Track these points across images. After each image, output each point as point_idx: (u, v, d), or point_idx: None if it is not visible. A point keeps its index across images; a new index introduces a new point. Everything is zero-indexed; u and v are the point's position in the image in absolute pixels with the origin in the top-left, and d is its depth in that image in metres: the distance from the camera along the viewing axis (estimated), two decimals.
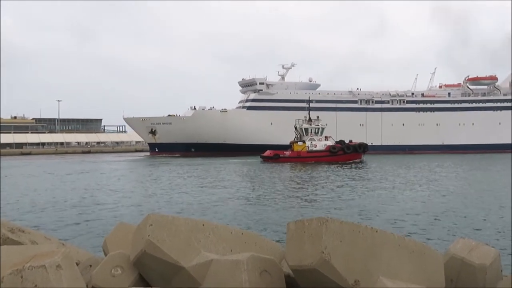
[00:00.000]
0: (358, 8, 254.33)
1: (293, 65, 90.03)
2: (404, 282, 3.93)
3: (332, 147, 57.89)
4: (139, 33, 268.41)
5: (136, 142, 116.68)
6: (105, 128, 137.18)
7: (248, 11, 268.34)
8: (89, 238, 13.78)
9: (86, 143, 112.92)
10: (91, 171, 45.30)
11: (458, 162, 54.43)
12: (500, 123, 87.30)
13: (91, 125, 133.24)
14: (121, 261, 3.92)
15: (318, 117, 62.39)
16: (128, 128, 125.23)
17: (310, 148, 57.78)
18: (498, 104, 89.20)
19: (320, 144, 58.23)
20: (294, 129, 62.01)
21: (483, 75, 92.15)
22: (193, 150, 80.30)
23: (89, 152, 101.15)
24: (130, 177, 38.52)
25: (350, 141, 60.60)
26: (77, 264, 4.28)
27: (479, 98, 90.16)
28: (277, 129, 79.68)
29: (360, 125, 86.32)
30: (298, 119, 62.42)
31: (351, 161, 54.65)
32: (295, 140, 59.99)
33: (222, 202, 22.18)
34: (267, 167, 47.62)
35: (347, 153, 57.11)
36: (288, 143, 61.76)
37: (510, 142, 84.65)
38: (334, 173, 39.13)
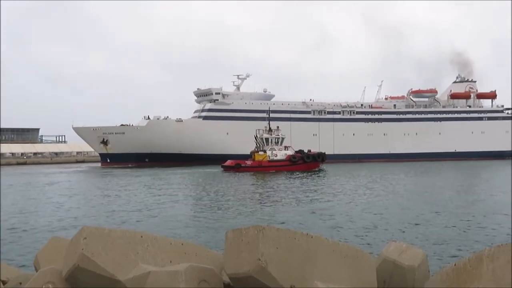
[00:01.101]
0: (300, 23, 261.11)
1: (248, 76, 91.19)
2: (338, 285, 4.13)
3: (293, 156, 58.98)
4: (78, 39, 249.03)
5: (77, 152, 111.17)
6: (43, 138, 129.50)
7: (189, 20, 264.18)
8: (20, 254, 12.96)
9: (22, 154, 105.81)
10: (25, 184, 42.41)
11: (396, 172, 57.60)
12: (440, 133, 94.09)
13: (27, 135, 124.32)
14: (52, 276, 3.77)
15: (278, 127, 63.51)
16: (68, 138, 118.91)
17: (271, 158, 58.45)
18: (438, 115, 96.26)
19: (281, 154, 59.12)
20: (252, 139, 62.45)
21: (425, 88, 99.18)
22: (147, 160, 78.10)
23: (24, 163, 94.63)
24: (71, 189, 36.40)
25: (309, 151, 62.12)
26: (6, 282, 4.05)
27: (422, 109, 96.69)
28: (234, 139, 79.79)
29: (314, 135, 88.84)
30: (258, 129, 62.98)
31: (310, 170, 55.97)
32: (256, 149, 60.43)
33: (168, 212, 21.74)
34: (227, 177, 47.41)
35: (306, 162, 58.41)
36: (245, 153, 62.06)
37: (448, 150, 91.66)
38: (292, 183, 39.82)
